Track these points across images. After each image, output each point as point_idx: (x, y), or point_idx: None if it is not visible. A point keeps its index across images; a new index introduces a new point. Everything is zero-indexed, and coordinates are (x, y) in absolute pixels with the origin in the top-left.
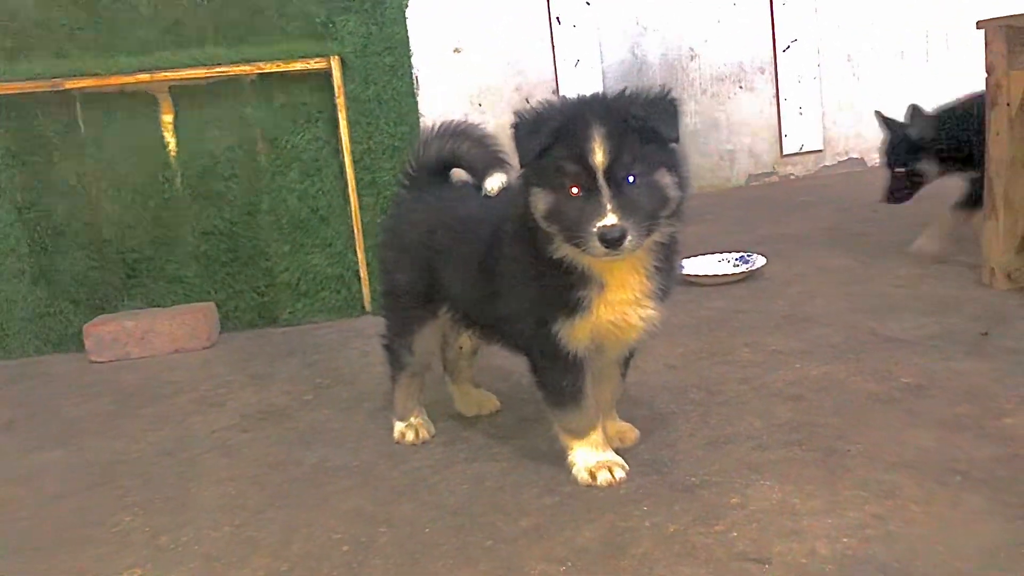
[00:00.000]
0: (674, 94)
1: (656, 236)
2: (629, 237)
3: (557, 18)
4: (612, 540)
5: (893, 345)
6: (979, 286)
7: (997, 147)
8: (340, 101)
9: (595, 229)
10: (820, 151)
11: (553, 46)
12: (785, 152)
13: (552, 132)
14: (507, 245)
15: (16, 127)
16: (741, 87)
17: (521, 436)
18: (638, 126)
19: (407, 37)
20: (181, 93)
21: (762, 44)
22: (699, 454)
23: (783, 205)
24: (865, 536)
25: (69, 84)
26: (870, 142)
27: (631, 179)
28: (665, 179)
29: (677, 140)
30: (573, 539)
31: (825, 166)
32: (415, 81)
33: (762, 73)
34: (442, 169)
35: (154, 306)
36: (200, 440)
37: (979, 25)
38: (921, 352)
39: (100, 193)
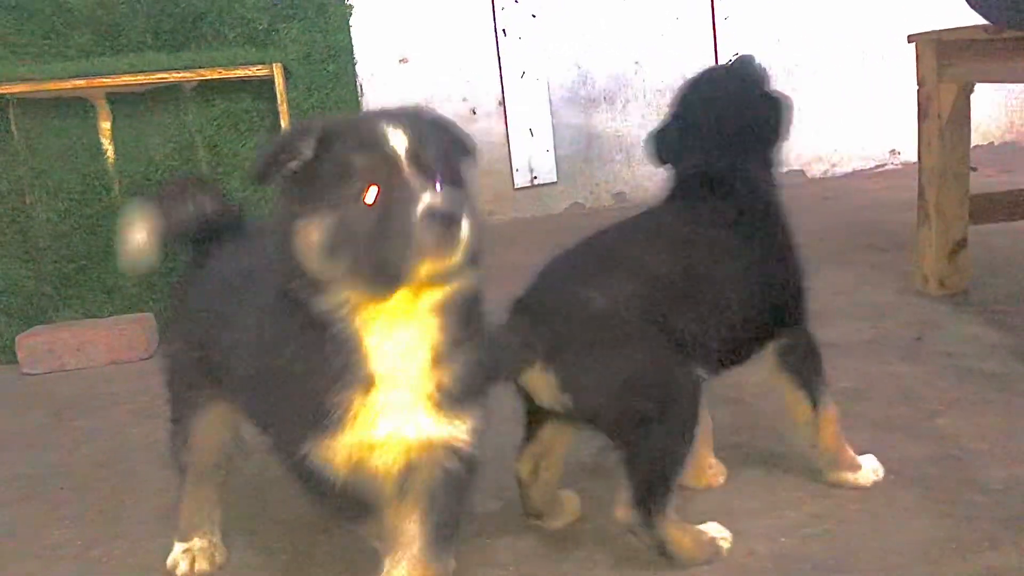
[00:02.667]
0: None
1: (461, 280)
2: (465, 222)
3: (503, 30)
4: (554, 544)
5: (831, 351)
6: (913, 293)
7: (928, 157)
8: (283, 109)
9: (422, 207)
10: None
11: (499, 57)
12: None
13: (315, 137)
14: (247, 314)
15: None
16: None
17: None
18: (437, 128)
19: (351, 45)
20: (119, 100)
21: (704, 58)
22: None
23: None
24: (803, 535)
25: (2, 89)
26: (807, 156)
27: (439, 181)
28: (470, 202)
29: (473, 153)
30: (515, 543)
31: None
32: (359, 89)
33: None
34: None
35: (90, 316)
36: (137, 452)
37: (910, 39)
38: (858, 357)
39: (35, 200)
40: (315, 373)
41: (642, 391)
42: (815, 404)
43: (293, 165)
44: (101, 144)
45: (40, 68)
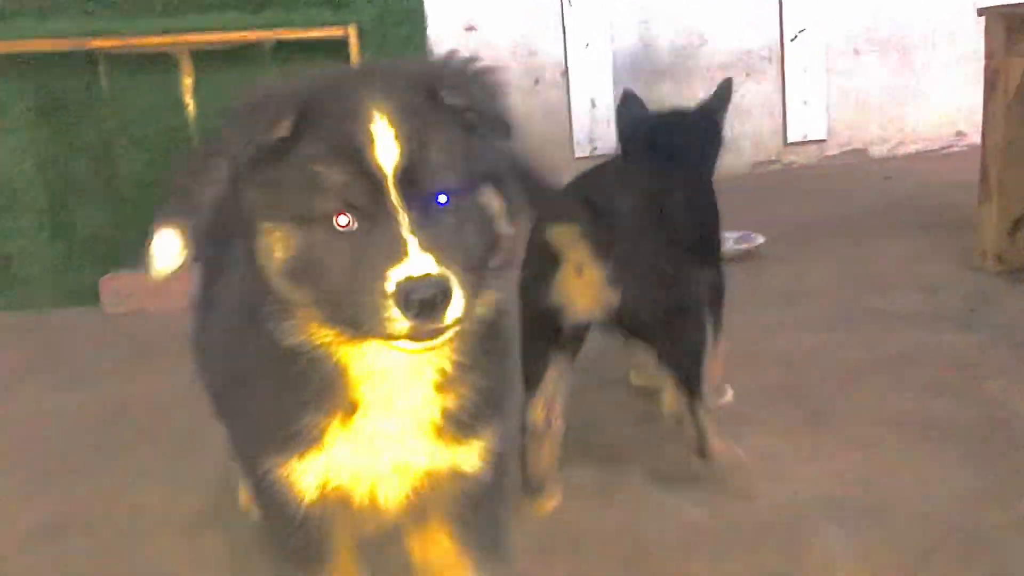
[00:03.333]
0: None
1: (478, 306)
2: (456, 299)
3: (569, 0)
4: (608, 478)
5: (884, 319)
6: (971, 268)
7: (993, 133)
8: None
9: (390, 284)
10: (823, 141)
11: (564, 28)
12: (789, 141)
13: (294, 111)
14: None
15: (41, 85)
16: (748, 75)
17: None
18: (453, 108)
19: (423, 9)
20: (201, 57)
21: (770, 33)
22: None
23: (784, 191)
24: (845, 480)
25: (93, 43)
26: (872, 133)
27: (443, 199)
28: (492, 203)
29: (509, 134)
30: (569, 480)
31: (828, 156)
32: (429, 52)
33: (769, 62)
34: None
35: None
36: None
37: (980, 12)
38: (911, 325)
39: (120, 152)
40: (285, 391)
41: (680, 284)
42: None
43: (263, 143)
44: (183, 99)
45: (128, 24)
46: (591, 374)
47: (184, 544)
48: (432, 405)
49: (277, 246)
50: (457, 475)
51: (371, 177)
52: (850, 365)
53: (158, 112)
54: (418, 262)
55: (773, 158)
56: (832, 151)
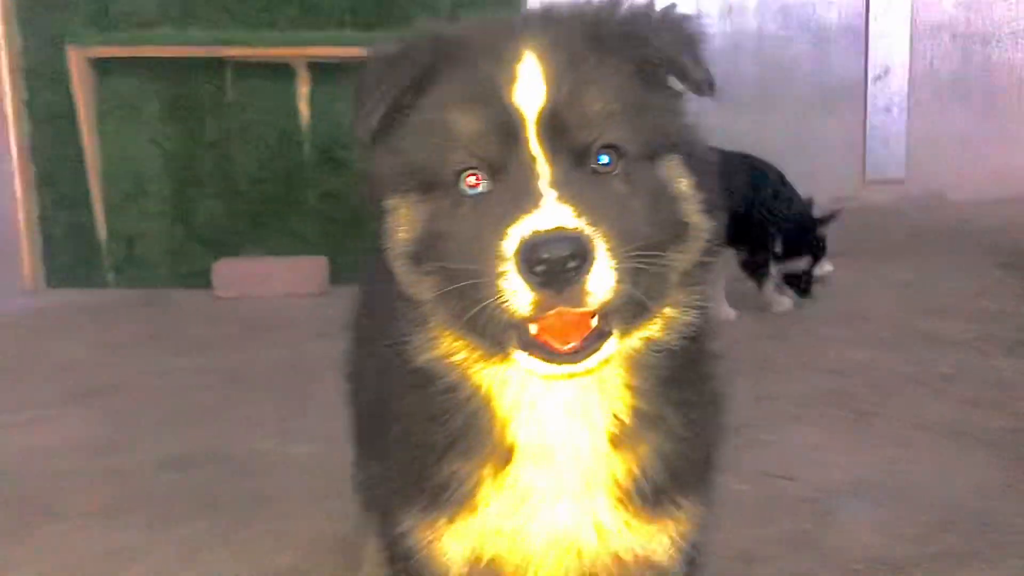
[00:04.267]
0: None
1: (663, 312)
2: (600, 269)
3: None
4: None
5: (936, 341)
6: None
7: None
8: None
9: (511, 242)
10: (902, 180)
11: None
12: (868, 179)
13: (430, 53)
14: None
15: (172, 87)
16: (829, 112)
17: None
18: (630, 54)
19: None
20: (317, 68)
21: (853, 70)
22: (748, 404)
23: (859, 226)
24: (876, 469)
25: (224, 52)
26: (952, 175)
27: (604, 159)
28: (680, 176)
29: (712, 89)
30: None
31: (906, 195)
32: None
33: (851, 99)
34: None
35: (273, 254)
36: (314, 360)
37: None
38: (960, 349)
39: (238, 150)
40: (426, 426)
41: None
42: None
43: (394, 93)
44: (298, 106)
45: (255, 36)
46: None
47: (296, 480)
48: (610, 461)
49: (401, 224)
50: (641, 565)
51: (507, 122)
52: (896, 378)
53: (274, 116)
54: (549, 213)
55: (851, 195)
56: (911, 191)
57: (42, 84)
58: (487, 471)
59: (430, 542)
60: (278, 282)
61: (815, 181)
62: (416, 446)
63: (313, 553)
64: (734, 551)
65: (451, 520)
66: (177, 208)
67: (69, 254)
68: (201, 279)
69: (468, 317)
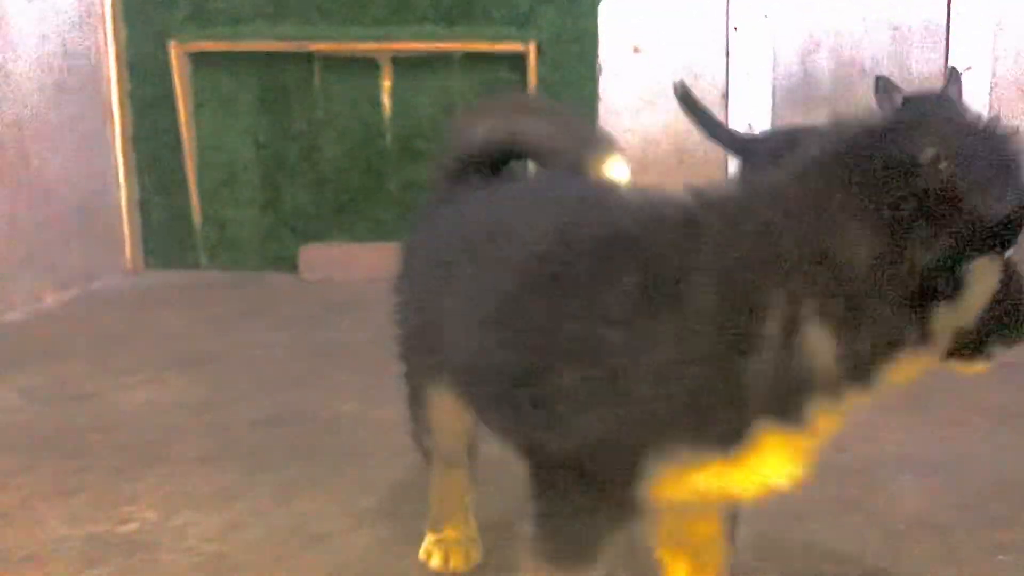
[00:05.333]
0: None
1: None
2: None
3: (735, 27)
4: None
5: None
6: None
7: None
8: (532, 81)
9: None
10: None
11: (728, 53)
12: None
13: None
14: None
15: (264, 80)
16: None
17: None
18: None
19: (596, 30)
20: (400, 63)
21: (933, 67)
22: None
23: None
24: (928, 447)
25: (312, 46)
26: None
27: None
28: None
29: None
30: None
31: None
32: (599, 69)
33: None
34: (494, 161)
35: (356, 240)
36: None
37: None
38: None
39: (324, 140)
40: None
41: None
42: None
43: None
44: (381, 99)
45: (342, 31)
46: None
47: (378, 437)
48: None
49: (983, 281)
50: None
51: None
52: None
53: (359, 109)
54: None
55: None
56: None
57: (144, 77)
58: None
59: (702, 476)
60: (361, 266)
61: None
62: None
63: (394, 497)
64: (786, 510)
65: (725, 460)
66: (266, 195)
67: (166, 237)
68: (288, 263)
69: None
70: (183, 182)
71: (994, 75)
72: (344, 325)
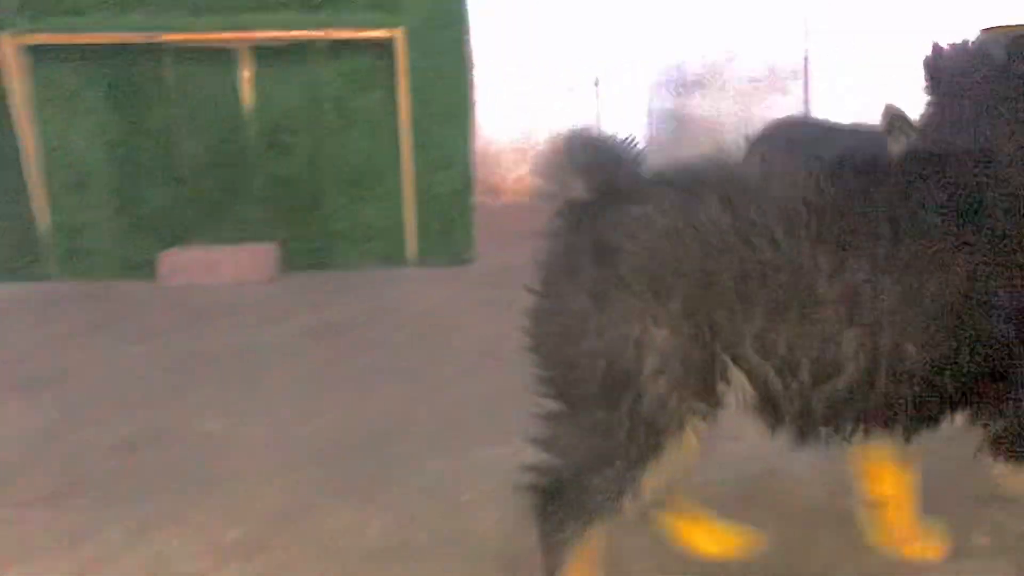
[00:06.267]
0: None
1: None
2: None
3: (604, 18)
4: None
5: None
6: None
7: None
8: (402, 68)
9: None
10: None
11: (599, 41)
12: None
13: None
14: None
15: (112, 74)
16: (775, 90)
17: None
18: None
19: (466, 15)
20: (260, 53)
21: (796, 51)
22: None
23: None
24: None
25: (164, 37)
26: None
27: None
28: None
29: None
30: None
31: None
32: (471, 57)
33: (795, 79)
34: None
35: (221, 242)
36: (264, 345)
37: (983, 32)
38: None
39: (181, 137)
40: None
41: None
42: None
43: None
44: (240, 91)
45: (195, 20)
46: None
47: (246, 459)
48: None
49: None
50: None
51: None
52: None
53: (217, 102)
54: None
55: None
56: None
57: None
58: None
59: None
60: (226, 270)
61: None
62: None
63: (263, 526)
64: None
65: None
66: (121, 198)
67: (8, 247)
68: (147, 269)
69: None
70: (24, 187)
71: (849, 54)
72: (208, 333)
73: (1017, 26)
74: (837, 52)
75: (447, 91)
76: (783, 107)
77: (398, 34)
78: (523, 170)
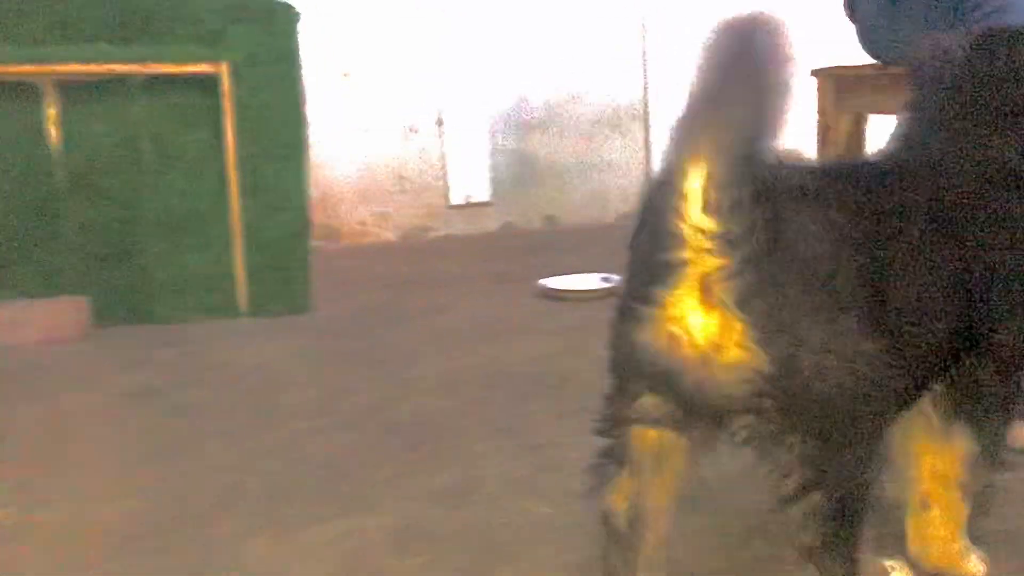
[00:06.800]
0: None
1: None
2: None
3: (445, 53)
4: (463, 484)
5: None
6: None
7: None
8: (227, 106)
9: None
10: None
11: (440, 79)
12: None
13: None
14: None
15: None
16: (615, 132)
17: (388, 410)
18: None
19: (297, 50)
20: (67, 88)
21: (635, 91)
22: (549, 423)
23: None
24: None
25: None
26: None
27: None
28: None
29: None
30: (429, 483)
31: None
32: (303, 93)
33: (634, 119)
34: None
35: (28, 297)
36: (72, 414)
37: (813, 73)
38: None
39: None
40: None
41: None
42: None
43: None
44: (46, 130)
45: None
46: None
47: (38, 557)
48: None
49: None
50: None
51: None
52: None
53: (20, 142)
54: None
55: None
56: None
57: None
58: None
59: None
60: (31, 328)
61: (604, 198)
62: None
63: None
64: None
65: None
66: None
67: None
68: None
69: None
70: None
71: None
72: (5, 402)
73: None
74: (676, 93)
75: (278, 129)
76: (623, 148)
77: (222, 69)
78: (365, 212)
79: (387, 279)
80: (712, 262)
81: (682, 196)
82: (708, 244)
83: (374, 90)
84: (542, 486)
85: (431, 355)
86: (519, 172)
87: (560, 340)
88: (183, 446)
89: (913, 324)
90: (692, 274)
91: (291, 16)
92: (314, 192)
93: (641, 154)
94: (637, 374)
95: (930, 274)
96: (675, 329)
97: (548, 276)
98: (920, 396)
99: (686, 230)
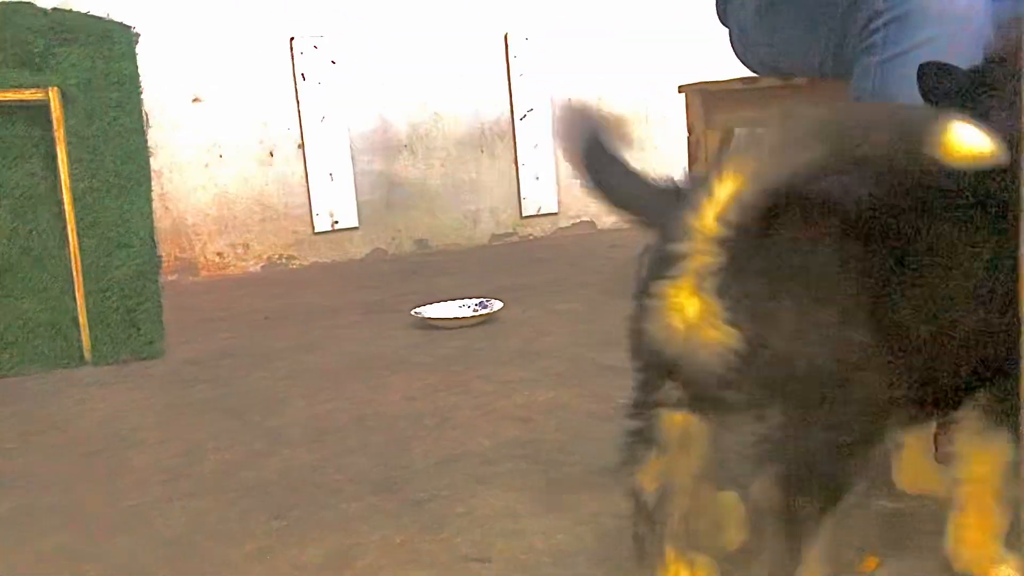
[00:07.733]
0: None
1: None
2: None
3: (302, 75)
4: (338, 555)
5: (612, 373)
6: None
7: None
8: (59, 135)
9: None
10: (555, 213)
11: (298, 101)
12: (524, 214)
13: None
14: None
15: None
16: (483, 151)
17: (251, 468)
18: None
19: (137, 73)
20: None
21: (502, 111)
22: (430, 472)
23: (521, 260)
24: (578, 532)
25: None
26: (600, 206)
27: None
28: None
29: None
30: (299, 557)
31: (560, 227)
32: (146, 119)
33: (502, 140)
34: None
35: None
36: None
37: (680, 89)
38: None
39: None
40: None
41: None
42: None
43: None
44: None
45: None
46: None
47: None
48: None
49: None
50: None
51: None
52: (582, 417)
53: None
54: None
55: (510, 230)
56: (564, 223)
57: None
58: None
59: None
60: None
61: (476, 219)
62: None
63: None
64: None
65: None
66: None
67: None
68: None
69: None
70: None
71: (554, 116)
72: None
73: None
74: (543, 115)
75: (118, 159)
76: (491, 168)
77: (52, 95)
78: (223, 242)
79: (249, 315)
80: (707, 259)
81: (709, 196)
82: (708, 244)
83: (228, 114)
84: (427, 551)
85: (298, 400)
86: (386, 195)
87: (437, 374)
88: (6, 530)
89: (897, 324)
90: (690, 268)
91: (129, 37)
92: (166, 224)
93: (511, 172)
94: (651, 362)
95: (912, 273)
96: (673, 317)
97: (421, 304)
98: (927, 406)
99: (696, 228)
